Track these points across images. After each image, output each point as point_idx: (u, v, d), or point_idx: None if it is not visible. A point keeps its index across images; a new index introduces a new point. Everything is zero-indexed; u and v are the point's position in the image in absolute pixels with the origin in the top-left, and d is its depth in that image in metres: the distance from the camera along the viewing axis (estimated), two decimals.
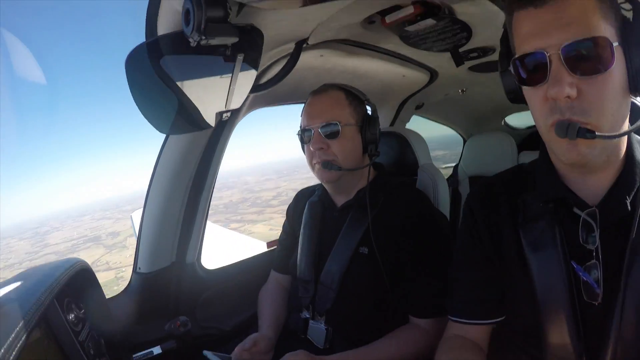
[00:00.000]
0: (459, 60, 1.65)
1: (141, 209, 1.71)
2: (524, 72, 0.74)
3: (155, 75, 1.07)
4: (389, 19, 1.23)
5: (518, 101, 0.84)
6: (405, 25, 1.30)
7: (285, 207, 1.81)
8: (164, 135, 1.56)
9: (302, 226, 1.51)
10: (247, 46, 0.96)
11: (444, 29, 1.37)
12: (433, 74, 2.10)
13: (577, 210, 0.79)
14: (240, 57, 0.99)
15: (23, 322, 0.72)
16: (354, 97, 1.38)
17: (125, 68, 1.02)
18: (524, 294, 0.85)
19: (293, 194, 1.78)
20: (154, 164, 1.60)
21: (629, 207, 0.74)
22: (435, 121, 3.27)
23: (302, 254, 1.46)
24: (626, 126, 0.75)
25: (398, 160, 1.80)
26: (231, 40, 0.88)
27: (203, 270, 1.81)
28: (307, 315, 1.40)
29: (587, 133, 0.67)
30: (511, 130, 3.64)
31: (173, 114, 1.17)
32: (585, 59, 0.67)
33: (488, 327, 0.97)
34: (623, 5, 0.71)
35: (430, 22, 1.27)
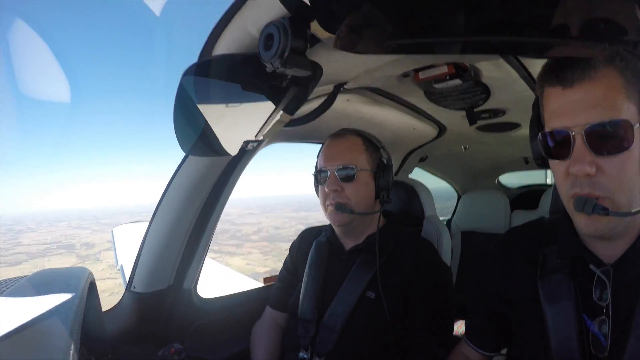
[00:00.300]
0: (472, 119, 1.77)
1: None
2: (550, 146, 0.80)
3: (210, 91, 1.12)
4: (422, 75, 1.33)
5: (546, 166, 0.91)
6: (433, 83, 1.40)
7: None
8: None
9: (307, 265, 1.52)
10: (304, 81, 0.99)
11: (467, 89, 1.48)
12: (442, 129, 2.22)
13: (593, 267, 0.84)
14: (293, 90, 1.01)
15: (73, 343, 0.69)
16: (371, 144, 1.45)
17: (183, 79, 1.05)
18: (536, 342, 0.90)
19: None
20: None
21: None
22: (434, 174, 3.40)
23: (305, 293, 1.46)
24: None
25: (405, 209, 1.87)
26: (305, 73, 0.91)
27: (198, 298, 1.77)
28: (305, 356, 1.38)
29: (601, 210, 0.72)
30: (504, 188, 3.81)
31: (202, 134, 1.20)
32: (606, 139, 0.72)
33: (487, 358, 1.13)
34: None
35: (457, 82, 1.37)
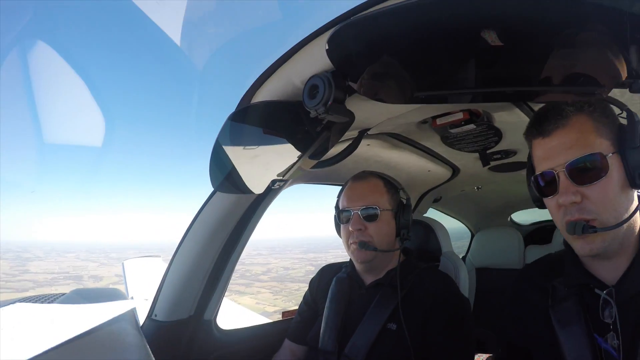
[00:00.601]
0: (485, 160, 1.86)
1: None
2: (541, 186, 0.95)
3: (250, 134, 1.22)
4: (439, 121, 1.44)
5: (543, 207, 1.03)
6: (449, 128, 1.51)
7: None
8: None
9: (328, 300, 1.57)
10: (338, 127, 1.10)
11: (480, 132, 1.58)
12: (455, 171, 2.30)
13: (597, 291, 0.93)
14: (326, 135, 1.11)
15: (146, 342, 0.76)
16: (391, 185, 1.54)
17: (229, 121, 1.16)
18: None
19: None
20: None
21: None
22: (447, 214, 3.45)
23: (326, 326, 1.50)
24: (634, 217, 0.90)
25: (423, 246, 1.94)
26: (343, 119, 1.02)
27: (218, 330, 1.81)
28: None
29: (590, 229, 0.84)
30: (517, 225, 3.83)
31: (233, 172, 1.30)
32: (585, 171, 0.87)
33: None
34: (621, 115, 0.92)
35: (471, 127, 1.48)
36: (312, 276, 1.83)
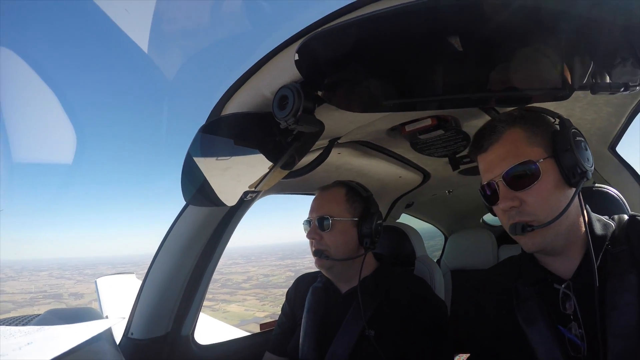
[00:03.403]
0: (455, 164, 1.91)
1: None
2: (488, 195, 1.04)
3: (221, 147, 1.21)
4: (408, 128, 1.47)
5: (494, 213, 1.11)
6: (418, 134, 1.54)
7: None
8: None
9: (305, 310, 1.57)
10: (308, 137, 1.10)
11: (449, 137, 1.62)
12: (426, 176, 2.35)
13: (556, 285, 1.00)
14: (296, 145, 1.12)
15: None
16: (355, 193, 1.55)
17: (200, 133, 1.15)
18: None
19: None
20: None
21: (597, 274, 0.92)
22: (420, 219, 3.52)
23: (305, 336, 1.50)
24: (572, 213, 0.97)
25: (397, 251, 1.96)
26: (313, 129, 1.02)
27: (196, 345, 1.77)
28: None
29: (527, 227, 0.93)
30: (489, 226, 3.95)
31: (205, 185, 1.29)
32: (519, 178, 0.96)
33: None
34: (556, 123, 1.02)
35: (440, 132, 1.52)
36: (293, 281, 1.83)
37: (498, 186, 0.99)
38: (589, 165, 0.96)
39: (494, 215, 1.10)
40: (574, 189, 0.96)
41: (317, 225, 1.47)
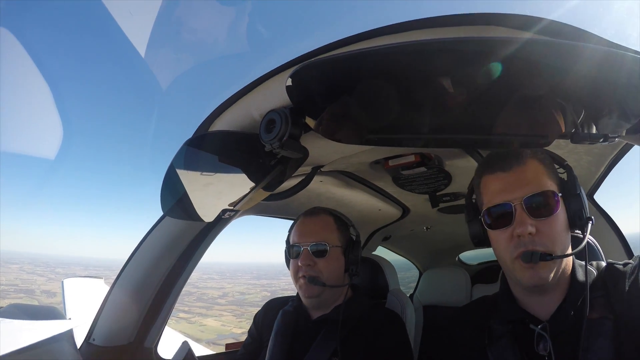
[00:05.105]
0: (435, 202, 1.94)
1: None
2: (494, 218, 1.01)
3: (204, 162, 1.20)
4: (391, 162, 1.50)
5: (480, 245, 1.10)
6: (401, 169, 1.57)
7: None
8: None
9: (273, 333, 1.53)
10: (292, 162, 1.11)
11: (431, 175, 1.65)
12: (405, 211, 2.38)
13: (532, 326, 0.99)
14: (279, 169, 1.12)
15: None
16: (342, 222, 1.55)
17: (185, 146, 1.14)
18: None
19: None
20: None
21: (575, 319, 0.94)
22: (396, 253, 3.52)
23: (270, 359, 1.46)
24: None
25: (371, 283, 1.95)
26: (297, 155, 1.03)
27: (158, 358, 1.71)
28: None
29: (547, 256, 0.91)
30: (464, 265, 3.98)
31: (184, 198, 1.28)
32: (540, 206, 0.95)
33: None
34: (559, 170, 1.04)
35: (422, 169, 1.55)
36: None
37: (515, 210, 0.96)
38: (588, 214, 0.99)
39: (477, 245, 1.10)
40: (570, 234, 0.99)
41: (310, 252, 1.45)
